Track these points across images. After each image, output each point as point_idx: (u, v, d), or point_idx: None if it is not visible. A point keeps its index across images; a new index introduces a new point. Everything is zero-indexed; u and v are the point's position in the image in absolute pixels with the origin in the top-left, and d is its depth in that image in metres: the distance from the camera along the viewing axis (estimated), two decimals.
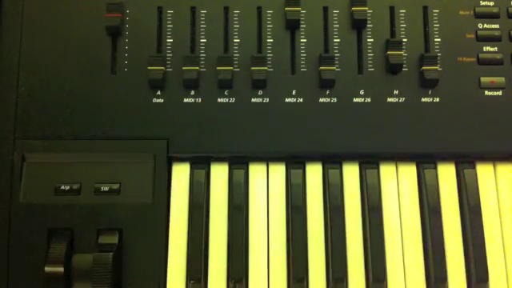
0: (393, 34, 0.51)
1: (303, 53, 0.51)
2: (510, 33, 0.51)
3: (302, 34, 0.51)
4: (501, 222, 0.49)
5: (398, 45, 0.50)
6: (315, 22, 0.51)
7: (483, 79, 0.50)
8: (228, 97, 0.50)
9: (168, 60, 0.50)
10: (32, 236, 0.47)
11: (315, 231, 0.48)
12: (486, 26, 0.51)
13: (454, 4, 0.51)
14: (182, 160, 0.49)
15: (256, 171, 0.50)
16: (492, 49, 0.51)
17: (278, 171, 0.50)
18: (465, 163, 0.50)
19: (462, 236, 0.48)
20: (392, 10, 0.51)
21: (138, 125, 0.49)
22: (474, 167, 0.49)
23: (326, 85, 0.50)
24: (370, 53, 0.51)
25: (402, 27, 0.51)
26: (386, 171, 0.50)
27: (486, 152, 0.49)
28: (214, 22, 0.51)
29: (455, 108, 0.49)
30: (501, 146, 0.49)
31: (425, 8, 0.51)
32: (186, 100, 0.50)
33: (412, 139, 0.49)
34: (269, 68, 0.50)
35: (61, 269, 0.44)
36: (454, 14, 0.51)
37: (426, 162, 0.50)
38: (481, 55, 0.50)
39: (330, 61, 0.49)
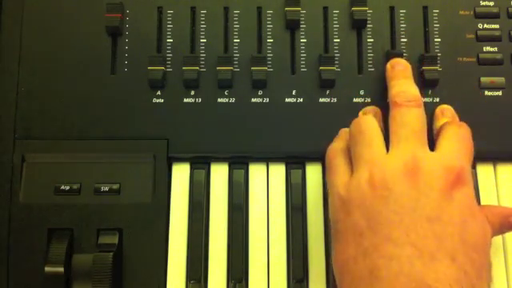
0: (393, 33, 0.51)
1: (303, 53, 0.51)
2: (510, 33, 0.51)
3: (302, 34, 0.51)
4: None
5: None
6: (315, 21, 0.51)
7: (483, 79, 0.50)
8: (228, 97, 0.50)
9: (168, 60, 0.50)
10: (32, 236, 0.47)
11: (315, 231, 0.48)
12: (486, 25, 0.51)
13: (453, 4, 0.51)
14: (182, 160, 0.49)
15: (256, 171, 0.50)
16: (492, 49, 0.51)
17: (278, 171, 0.50)
18: None
19: None
20: (392, 9, 0.51)
21: (137, 125, 0.49)
22: (474, 167, 0.49)
23: (326, 85, 0.50)
24: (370, 53, 0.51)
25: (402, 27, 0.51)
26: None
27: (486, 152, 0.49)
28: (213, 22, 0.51)
29: (455, 108, 0.49)
30: (501, 145, 0.49)
31: (425, 8, 0.51)
32: (185, 100, 0.50)
33: None
34: (269, 68, 0.50)
35: (61, 269, 0.44)
36: (453, 14, 0.51)
37: None
38: (481, 55, 0.50)
39: (329, 61, 0.49)
